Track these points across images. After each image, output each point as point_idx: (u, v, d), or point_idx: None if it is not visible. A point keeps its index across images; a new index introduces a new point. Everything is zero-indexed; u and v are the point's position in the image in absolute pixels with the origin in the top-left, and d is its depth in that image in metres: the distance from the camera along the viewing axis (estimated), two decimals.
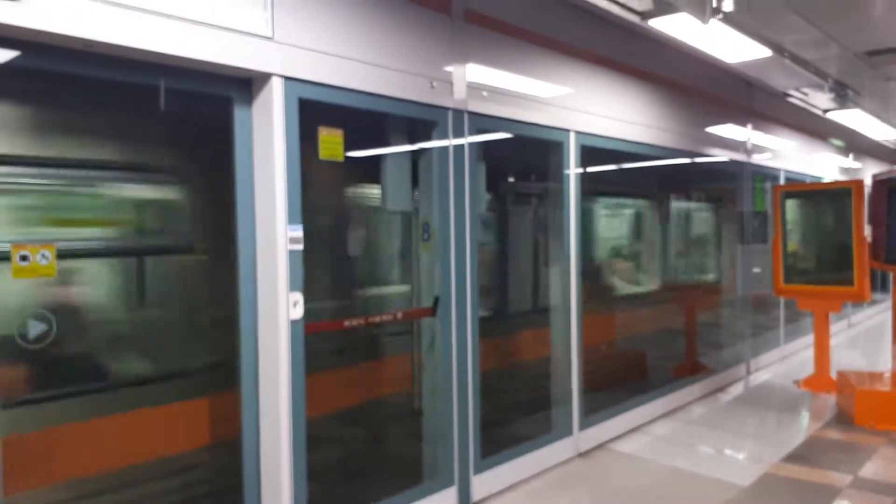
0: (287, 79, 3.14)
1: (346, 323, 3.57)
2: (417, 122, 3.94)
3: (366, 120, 3.83)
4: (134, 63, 2.78)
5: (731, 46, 5.76)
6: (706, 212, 8.54)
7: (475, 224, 4.17)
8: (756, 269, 7.59)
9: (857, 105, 8.53)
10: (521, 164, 6.52)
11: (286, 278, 3.14)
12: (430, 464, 4.10)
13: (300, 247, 3.19)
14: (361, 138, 4.00)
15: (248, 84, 3.16)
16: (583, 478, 4.64)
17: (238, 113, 3.16)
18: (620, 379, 6.42)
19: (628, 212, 8.62)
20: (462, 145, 4.05)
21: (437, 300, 3.98)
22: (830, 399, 6.61)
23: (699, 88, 6.60)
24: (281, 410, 3.15)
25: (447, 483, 4.01)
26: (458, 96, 4.00)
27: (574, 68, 4.96)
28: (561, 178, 4.93)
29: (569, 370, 5.01)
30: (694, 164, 6.72)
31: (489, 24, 4.24)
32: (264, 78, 3.11)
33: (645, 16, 4.92)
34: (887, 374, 6.41)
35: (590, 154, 5.13)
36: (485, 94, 4.19)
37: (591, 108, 5.10)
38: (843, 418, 5.96)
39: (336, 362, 4.61)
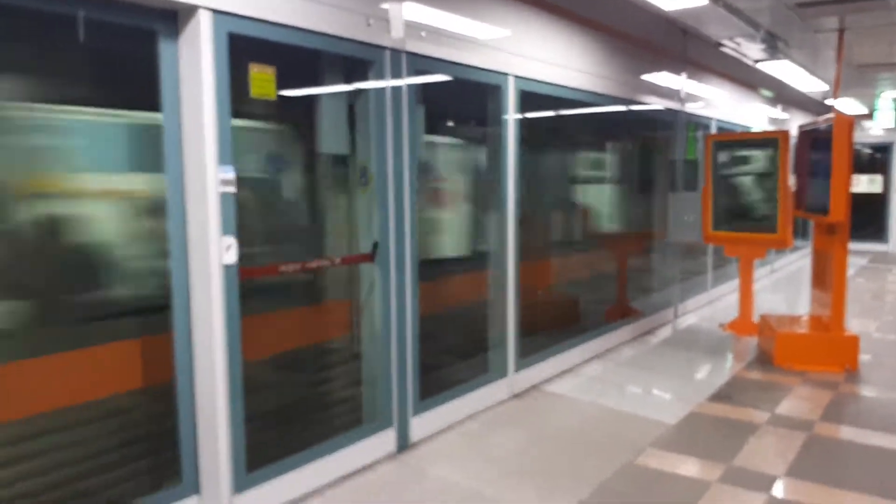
0: (215, 12, 2.98)
1: (282, 268, 3.50)
2: (354, 61, 3.83)
3: (301, 58, 3.69)
4: None
5: None
6: (641, 160, 8.66)
7: (414, 168, 4.12)
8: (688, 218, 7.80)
9: (786, 56, 8.73)
10: (461, 108, 6.45)
11: (218, 222, 3.04)
12: (369, 406, 4.13)
13: (232, 189, 3.09)
14: (296, 77, 3.86)
15: (173, 17, 2.99)
16: (517, 417, 4.76)
17: (163, 47, 2.98)
18: (555, 322, 6.56)
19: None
20: (400, 87, 3.97)
21: (375, 245, 3.95)
22: (753, 341, 6.94)
23: (637, 36, 6.62)
24: (216, 356, 3.09)
25: (386, 425, 4.05)
26: (395, 35, 3.89)
27: (514, 11, 4.89)
28: (500, 124, 4.91)
29: (505, 314, 5.08)
30: (630, 111, 6.78)
31: None
32: (191, 10, 2.95)
33: None
34: (805, 318, 6.74)
35: (528, 101, 5.11)
36: (423, 34, 4.09)
37: (530, 53, 5.05)
38: (763, 359, 6.27)
39: (273, 305, 4.53)
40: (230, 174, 3.08)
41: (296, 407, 4.19)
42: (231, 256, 3.11)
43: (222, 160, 3.04)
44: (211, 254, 3.03)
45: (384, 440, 4.04)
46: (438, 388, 4.52)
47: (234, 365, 3.17)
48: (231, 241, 3.10)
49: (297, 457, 3.56)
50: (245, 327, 3.23)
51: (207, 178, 3.00)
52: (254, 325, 3.48)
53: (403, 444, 4.16)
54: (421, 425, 4.29)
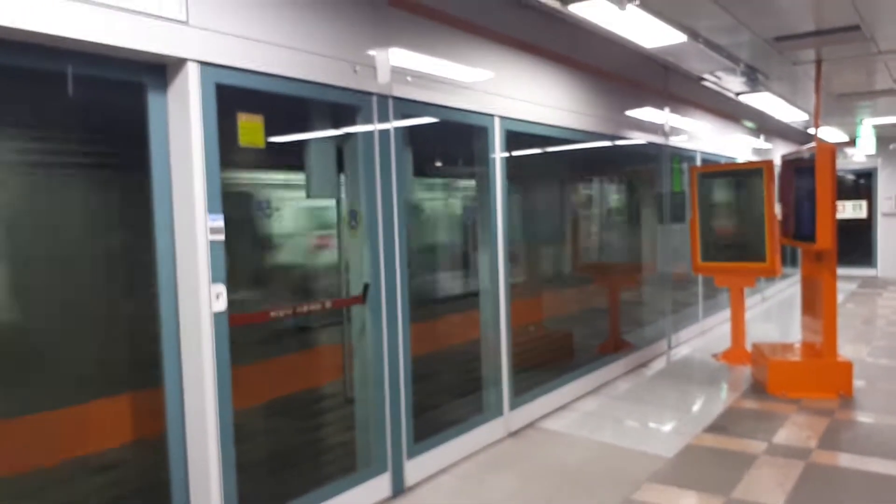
0: (203, 64, 3.04)
1: (273, 314, 3.51)
2: (341, 107, 3.88)
3: (288, 105, 3.75)
4: (38, 49, 2.63)
5: (649, 32, 5.91)
6: (627, 193, 8.76)
7: (403, 210, 4.15)
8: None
9: (766, 88, 8.90)
10: (448, 149, 6.53)
11: (207, 270, 3.05)
12: (363, 452, 4.09)
13: (221, 237, 3.11)
14: (284, 124, 3.91)
15: (161, 70, 3.04)
16: (513, 456, 4.72)
17: (152, 100, 3.03)
18: (549, 358, 6.55)
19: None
20: (387, 130, 4.02)
21: (366, 287, 3.96)
22: (746, 370, 6.94)
23: (619, 73, 6.74)
24: (207, 405, 3.07)
25: (380, 470, 4.01)
26: (382, 81, 3.96)
27: (497, 53, 4.98)
28: (487, 163, 4.96)
29: (499, 352, 5.08)
30: (615, 147, 6.87)
31: (412, 7, 4.21)
32: (179, 63, 3.00)
33: (565, 1, 4.98)
34: (797, 345, 6.76)
35: (515, 139, 5.18)
36: (409, 78, 4.16)
37: (514, 93, 5.14)
38: (758, 388, 6.26)
39: (264, 353, 4.52)
40: (219, 222, 3.10)
41: (289, 454, 4.15)
42: (221, 304, 3.11)
43: (212, 209, 3.06)
44: (201, 302, 3.04)
45: (379, 485, 4.00)
46: (433, 429, 4.49)
47: (224, 414, 3.15)
48: (221, 289, 3.11)
49: None
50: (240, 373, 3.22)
51: (197, 227, 3.02)
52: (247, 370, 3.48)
53: (399, 489, 4.12)
54: (416, 468, 4.25)
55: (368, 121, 3.92)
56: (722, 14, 5.66)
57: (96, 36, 2.65)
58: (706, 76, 8.19)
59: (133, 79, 2.96)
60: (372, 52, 3.91)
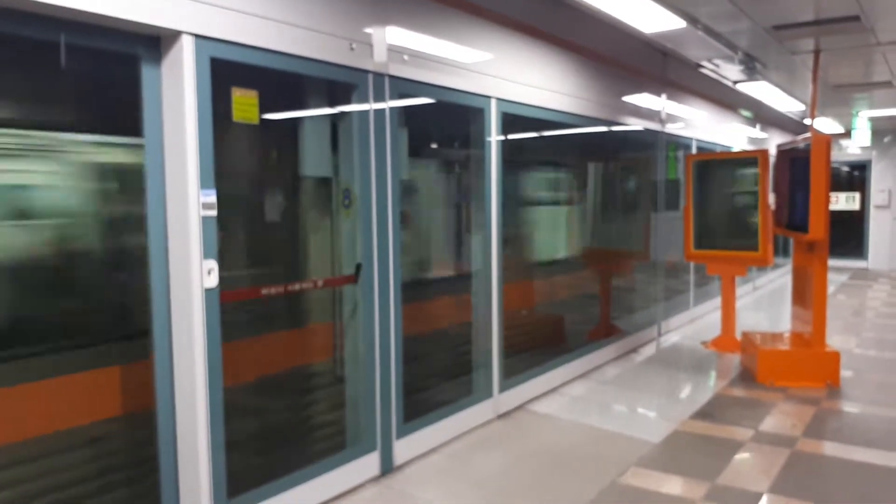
0: (198, 37, 3.00)
1: (264, 291, 3.50)
2: (337, 85, 3.86)
3: (284, 82, 3.72)
4: (30, 16, 2.59)
5: (648, 17, 5.88)
6: (622, 180, 8.74)
7: (397, 190, 4.14)
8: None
9: (764, 77, 8.88)
10: (444, 130, 6.50)
11: (199, 245, 3.04)
12: (352, 430, 4.11)
13: (214, 212, 3.09)
14: (279, 101, 3.88)
15: (156, 42, 3.01)
16: (502, 438, 4.75)
17: (146, 72, 3.00)
18: (540, 342, 6.57)
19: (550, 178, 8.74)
20: (383, 110, 4.00)
21: (359, 267, 3.95)
22: (735, 358, 6.98)
23: (617, 58, 6.71)
24: (197, 381, 3.07)
25: (369, 448, 4.03)
26: (378, 59, 3.93)
27: (495, 35, 4.95)
28: (482, 146, 4.95)
29: (490, 335, 5.09)
30: (611, 132, 6.86)
31: None
32: (174, 36, 2.97)
33: None
34: (787, 335, 6.80)
35: (512, 122, 5.16)
36: (406, 57, 4.13)
37: (512, 76, 5.11)
38: (746, 376, 6.31)
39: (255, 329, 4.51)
40: (212, 197, 3.08)
41: (278, 431, 4.16)
42: (212, 280, 3.10)
43: (204, 184, 3.04)
44: (192, 278, 3.03)
45: (368, 463, 4.02)
46: (423, 409, 4.51)
47: (214, 391, 3.15)
48: (212, 265, 3.10)
49: (279, 482, 3.52)
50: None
51: (189, 202, 3.00)
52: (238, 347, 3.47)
53: (388, 468, 4.14)
54: (405, 448, 4.27)
55: (364, 99, 3.89)
56: (722, 0, 5.63)
57: (90, 5, 2.61)
58: (704, 63, 8.16)
59: (127, 50, 2.93)
60: (369, 30, 3.87)
